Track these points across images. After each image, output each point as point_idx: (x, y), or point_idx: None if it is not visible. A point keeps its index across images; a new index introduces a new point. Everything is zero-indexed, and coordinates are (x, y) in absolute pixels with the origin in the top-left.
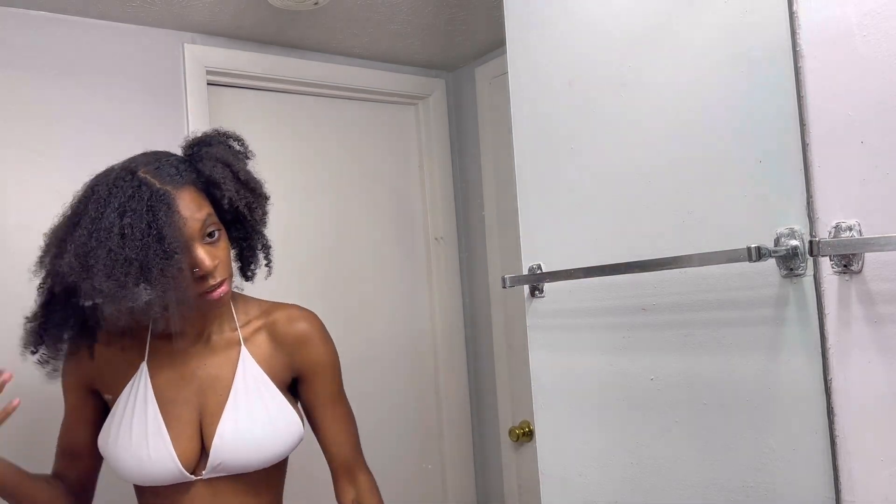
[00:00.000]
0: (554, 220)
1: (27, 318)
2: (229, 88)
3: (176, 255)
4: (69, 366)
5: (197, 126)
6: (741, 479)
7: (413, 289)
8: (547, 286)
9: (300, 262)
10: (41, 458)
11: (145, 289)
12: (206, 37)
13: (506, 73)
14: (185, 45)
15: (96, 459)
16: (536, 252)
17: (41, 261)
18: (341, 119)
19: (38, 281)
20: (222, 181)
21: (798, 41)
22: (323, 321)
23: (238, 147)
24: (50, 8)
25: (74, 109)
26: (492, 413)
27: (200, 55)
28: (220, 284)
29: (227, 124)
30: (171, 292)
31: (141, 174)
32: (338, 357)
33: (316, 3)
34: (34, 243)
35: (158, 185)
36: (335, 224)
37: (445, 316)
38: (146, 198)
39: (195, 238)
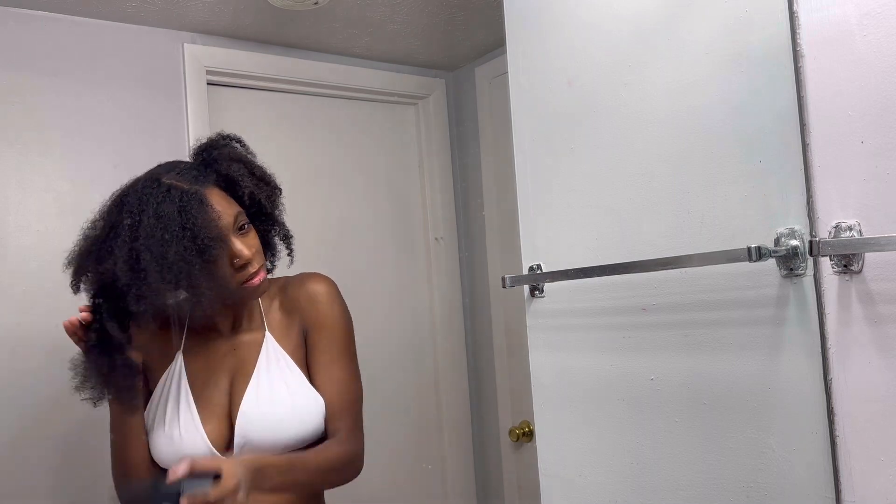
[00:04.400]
0: (554, 220)
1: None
2: (229, 88)
3: (213, 250)
4: None
5: (197, 126)
6: (741, 479)
7: (413, 289)
8: (547, 286)
9: (300, 261)
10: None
11: (190, 286)
12: (205, 36)
13: (506, 73)
14: (185, 44)
15: None
16: (536, 252)
17: (79, 283)
18: (341, 119)
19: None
20: (241, 178)
21: (798, 41)
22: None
23: (242, 147)
24: (50, 8)
25: (74, 109)
26: (492, 413)
27: (200, 55)
28: (258, 272)
29: (227, 124)
30: (214, 286)
31: (166, 181)
32: (348, 320)
33: (316, 3)
34: (34, 243)
35: (187, 187)
36: (335, 224)
37: (445, 316)
38: (177, 200)
39: (230, 231)
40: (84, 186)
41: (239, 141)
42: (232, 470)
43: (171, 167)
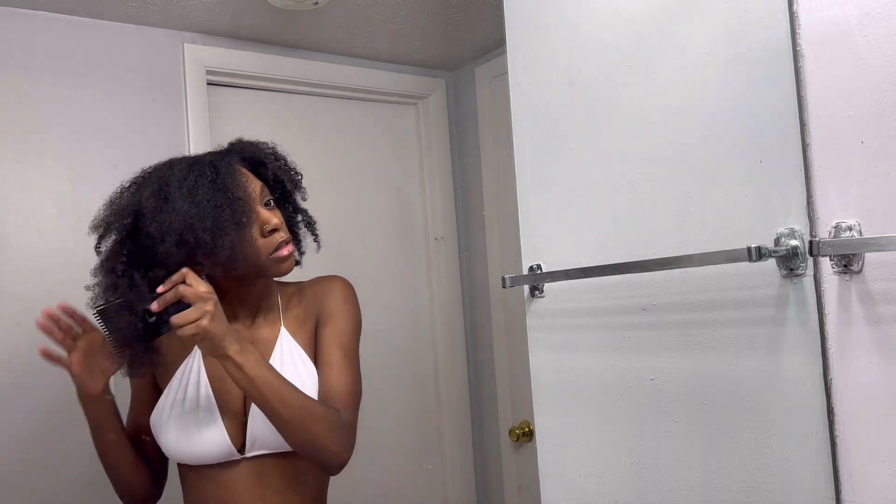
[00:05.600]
0: (554, 220)
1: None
2: (229, 88)
3: (245, 210)
4: None
5: (197, 126)
6: (741, 479)
7: (413, 289)
8: (547, 286)
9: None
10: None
11: (222, 246)
12: (205, 37)
13: (506, 73)
14: (185, 44)
15: None
16: (536, 252)
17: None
18: (341, 119)
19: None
20: (266, 159)
21: (798, 41)
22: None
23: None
24: (50, 8)
25: (74, 109)
26: (492, 413)
27: (200, 55)
28: (287, 242)
29: (227, 124)
30: (244, 249)
31: (190, 158)
32: (355, 316)
33: (316, 3)
34: (34, 243)
35: (214, 159)
36: (335, 224)
37: (445, 316)
38: (207, 163)
39: (257, 200)
40: (84, 186)
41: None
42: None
43: (197, 155)
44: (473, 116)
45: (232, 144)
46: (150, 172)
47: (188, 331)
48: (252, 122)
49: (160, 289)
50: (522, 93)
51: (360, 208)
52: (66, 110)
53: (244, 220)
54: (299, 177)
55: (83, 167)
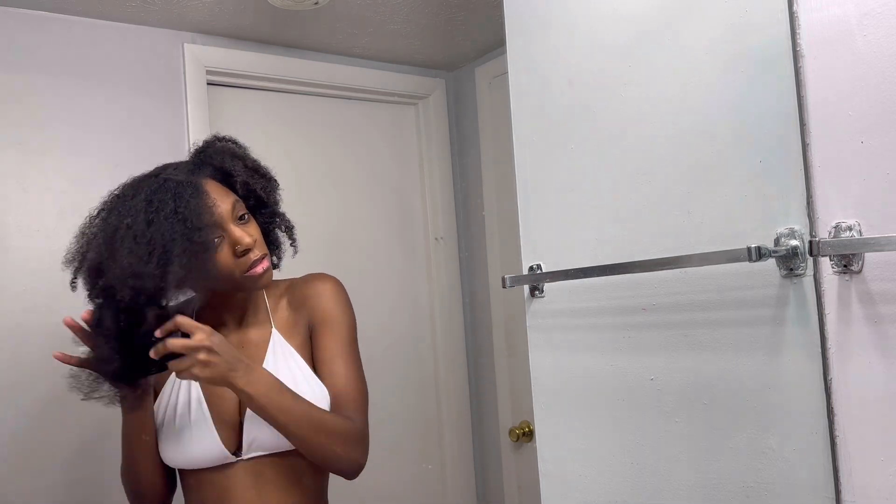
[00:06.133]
0: (554, 220)
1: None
2: (229, 88)
3: (209, 237)
4: None
5: (197, 126)
6: (741, 480)
7: (413, 289)
8: (547, 286)
9: (299, 262)
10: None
11: (176, 269)
12: (205, 37)
13: (506, 73)
14: (185, 44)
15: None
16: (536, 252)
17: (76, 280)
18: (341, 119)
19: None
20: (234, 169)
21: (798, 41)
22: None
23: (236, 145)
24: (50, 8)
25: (74, 109)
26: (492, 413)
27: (200, 55)
28: (261, 260)
29: (227, 124)
30: (216, 274)
31: (163, 176)
32: (351, 317)
33: (316, 3)
34: (34, 243)
35: (182, 178)
36: (335, 224)
37: (445, 316)
38: (172, 188)
39: (228, 219)
40: (84, 186)
41: (233, 141)
42: (206, 332)
43: (168, 166)
44: (473, 116)
45: (204, 152)
46: (115, 199)
47: (184, 377)
48: (252, 122)
49: (157, 332)
50: (522, 93)
51: (360, 208)
52: (66, 110)
53: (209, 248)
54: (274, 182)
55: (83, 167)
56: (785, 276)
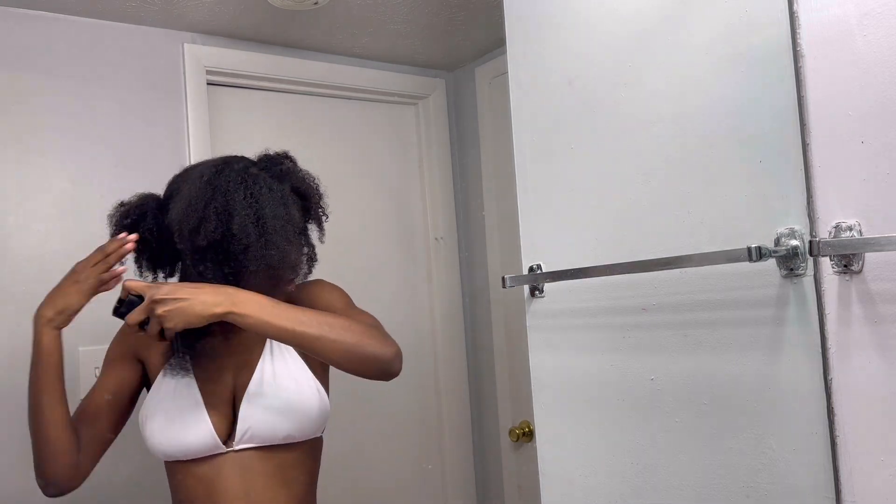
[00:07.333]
0: (554, 220)
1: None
2: (229, 88)
3: (299, 236)
4: (122, 335)
5: (197, 126)
6: (741, 479)
7: (413, 289)
8: (547, 286)
9: None
10: None
11: (281, 261)
12: (205, 36)
13: (506, 73)
14: (185, 44)
15: (108, 431)
16: (536, 252)
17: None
18: (341, 119)
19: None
20: (311, 195)
21: (798, 41)
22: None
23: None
24: (50, 8)
25: (74, 109)
26: (492, 413)
27: (200, 55)
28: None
29: (227, 124)
30: (296, 264)
31: (254, 171)
32: (348, 297)
33: (316, 3)
34: (34, 243)
35: (277, 183)
36: (335, 224)
37: (445, 316)
38: (276, 187)
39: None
40: (84, 186)
41: (307, 171)
42: (152, 287)
43: (245, 159)
44: (473, 116)
45: (282, 171)
46: (204, 177)
47: (168, 335)
48: (252, 122)
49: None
50: (522, 93)
51: (359, 208)
52: (66, 110)
53: (307, 243)
54: (326, 217)
55: (83, 167)
56: (785, 276)
